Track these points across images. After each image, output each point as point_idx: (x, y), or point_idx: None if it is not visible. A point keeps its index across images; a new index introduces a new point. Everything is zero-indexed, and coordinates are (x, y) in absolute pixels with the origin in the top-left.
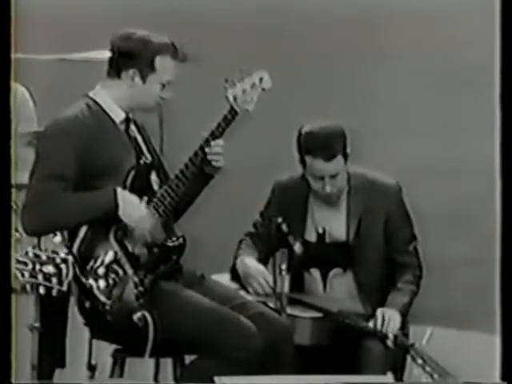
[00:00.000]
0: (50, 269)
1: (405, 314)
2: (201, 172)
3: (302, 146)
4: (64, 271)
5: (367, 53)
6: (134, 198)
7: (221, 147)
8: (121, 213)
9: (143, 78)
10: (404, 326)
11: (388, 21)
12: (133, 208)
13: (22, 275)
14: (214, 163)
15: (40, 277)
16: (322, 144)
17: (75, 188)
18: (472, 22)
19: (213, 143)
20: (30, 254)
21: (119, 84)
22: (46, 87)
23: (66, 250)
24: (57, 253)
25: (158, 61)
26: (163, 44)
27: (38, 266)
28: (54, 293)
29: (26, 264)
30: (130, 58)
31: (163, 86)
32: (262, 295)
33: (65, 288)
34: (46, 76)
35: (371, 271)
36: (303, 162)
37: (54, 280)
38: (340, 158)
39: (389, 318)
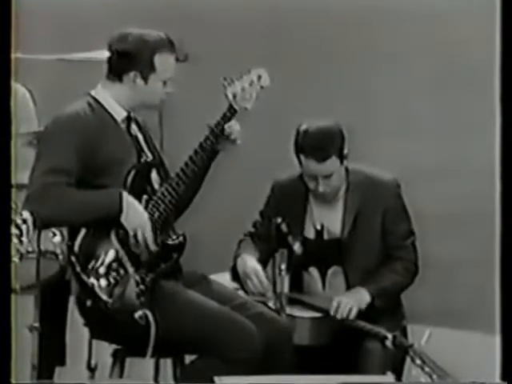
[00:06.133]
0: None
1: (376, 296)
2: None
3: (298, 144)
4: (24, 231)
5: (367, 52)
6: (137, 204)
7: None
8: (123, 218)
9: (145, 79)
10: (403, 323)
11: (388, 20)
12: (135, 214)
13: None
14: (231, 136)
15: None
16: (315, 145)
17: (77, 186)
18: (472, 22)
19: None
20: None
21: (121, 86)
22: (46, 87)
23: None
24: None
25: (158, 59)
26: (159, 41)
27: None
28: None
29: None
30: (128, 59)
31: (164, 83)
32: (257, 294)
33: (25, 242)
34: (46, 76)
35: (369, 268)
36: (299, 161)
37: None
38: (334, 159)
39: (344, 304)
